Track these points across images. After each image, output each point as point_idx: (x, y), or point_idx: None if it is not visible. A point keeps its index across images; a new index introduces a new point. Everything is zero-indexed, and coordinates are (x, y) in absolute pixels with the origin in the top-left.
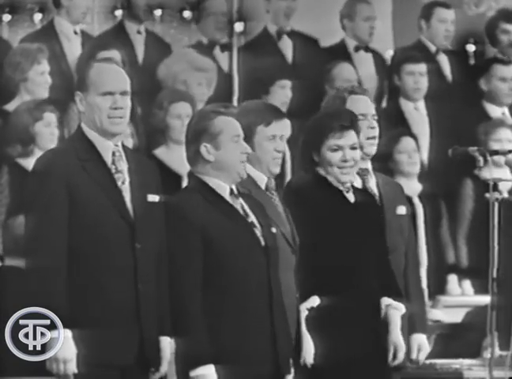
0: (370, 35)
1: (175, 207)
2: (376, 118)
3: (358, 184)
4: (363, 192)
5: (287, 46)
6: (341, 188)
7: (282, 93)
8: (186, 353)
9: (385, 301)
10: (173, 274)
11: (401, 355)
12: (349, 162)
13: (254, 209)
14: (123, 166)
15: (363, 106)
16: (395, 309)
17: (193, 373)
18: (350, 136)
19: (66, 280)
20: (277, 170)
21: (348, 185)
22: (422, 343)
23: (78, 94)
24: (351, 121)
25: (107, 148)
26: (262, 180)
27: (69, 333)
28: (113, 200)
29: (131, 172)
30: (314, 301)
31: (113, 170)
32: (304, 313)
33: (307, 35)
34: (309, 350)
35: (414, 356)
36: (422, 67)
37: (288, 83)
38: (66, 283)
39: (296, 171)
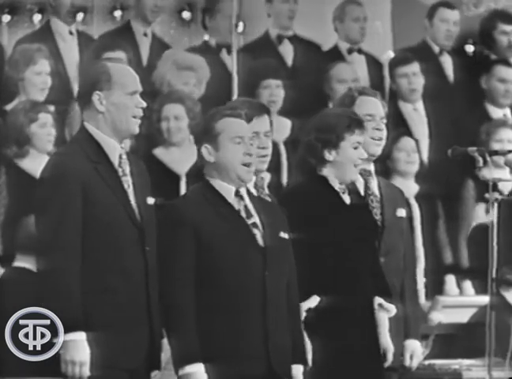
0: (361, 36)
1: (170, 209)
2: (385, 121)
3: (360, 185)
4: (356, 194)
5: (287, 51)
6: (337, 189)
7: (266, 93)
8: (176, 351)
9: (377, 300)
10: (163, 272)
11: (390, 356)
12: (363, 160)
13: (263, 211)
14: (127, 168)
15: (372, 107)
16: (384, 311)
17: (181, 372)
18: (363, 135)
19: (81, 283)
20: (264, 167)
21: (344, 186)
22: (415, 350)
23: (98, 93)
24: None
25: (115, 150)
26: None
27: (83, 336)
28: (123, 203)
29: (133, 175)
30: (313, 301)
31: (120, 173)
32: (303, 314)
33: (310, 40)
34: (307, 352)
35: (407, 363)
36: (414, 67)
37: (273, 82)
38: (81, 286)
39: (293, 172)
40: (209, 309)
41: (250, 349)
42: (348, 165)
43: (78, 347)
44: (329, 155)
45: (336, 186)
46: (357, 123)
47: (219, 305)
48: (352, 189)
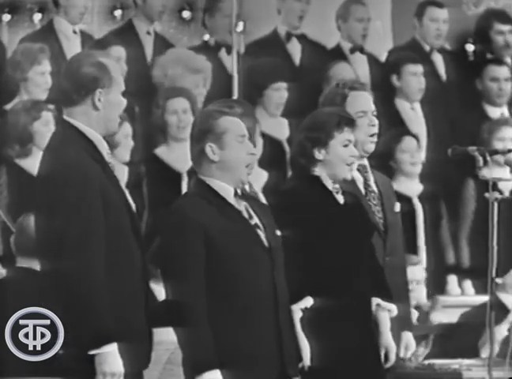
0: (363, 37)
1: (177, 211)
2: (375, 113)
3: (360, 183)
4: (349, 193)
5: (296, 50)
6: (331, 189)
7: (276, 95)
8: (192, 358)
9: (375, 301)
10: (175, 278)
11: (393, 357)
12: (355, 158)
13: (259, 211)
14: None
15: (364, 102)
16: (384, 311)
17: None
18: (353, 133)
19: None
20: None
21: (338, 186)
22: (409, 341)
23: (100, 91)
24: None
25: (103, 147)
26: None
27: (116, 346)
28: (123, 200)
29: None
30: (308, 301)
31: (112, 168)
32: (298, 314)
33: (316, 40)
34: (305, 352)
35: (402, 354)
36: (420, 68)
37: (282, 85)
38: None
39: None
40: (221, 313)
41: (264, 351)
42: (339, 164)
43: (114, 359)
44: (319, 154)
45: (330, 186)
46: (347, 121)
47: (231, 309)
48: (350, 187)
